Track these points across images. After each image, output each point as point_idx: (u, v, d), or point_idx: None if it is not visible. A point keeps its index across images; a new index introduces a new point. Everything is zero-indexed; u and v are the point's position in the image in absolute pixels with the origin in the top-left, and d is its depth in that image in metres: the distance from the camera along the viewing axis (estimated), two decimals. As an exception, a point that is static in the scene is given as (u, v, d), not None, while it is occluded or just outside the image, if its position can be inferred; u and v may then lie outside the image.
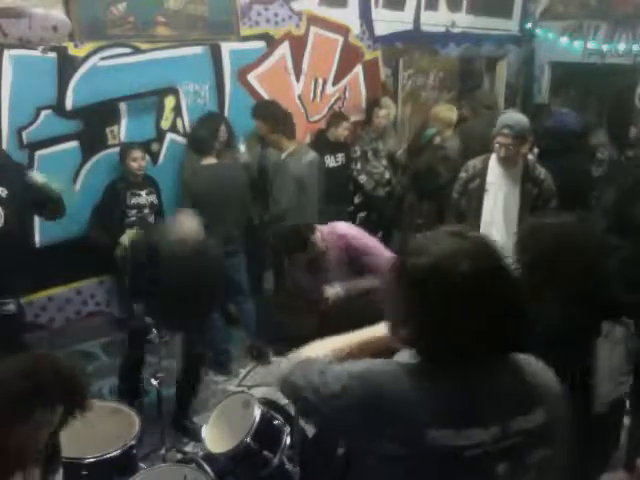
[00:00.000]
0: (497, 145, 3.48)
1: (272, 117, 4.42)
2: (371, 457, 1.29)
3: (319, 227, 3.16)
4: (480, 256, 1.24)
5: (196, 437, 3.37)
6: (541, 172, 3.57)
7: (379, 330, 1.47)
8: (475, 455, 1.22)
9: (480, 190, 3.58)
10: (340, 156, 5.27)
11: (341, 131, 5.16)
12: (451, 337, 1.23)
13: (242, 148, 4.72)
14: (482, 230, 3.53)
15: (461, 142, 5.23)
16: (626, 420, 3.35)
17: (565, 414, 1.35)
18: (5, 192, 3.18)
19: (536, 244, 2.03)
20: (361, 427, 1.24)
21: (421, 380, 1.25)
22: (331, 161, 5.18)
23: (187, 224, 3.21)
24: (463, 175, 3.71)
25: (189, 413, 3.72)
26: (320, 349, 1.43)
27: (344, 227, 3.24)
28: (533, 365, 1.37)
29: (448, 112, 5.40)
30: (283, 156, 4.41)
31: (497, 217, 3.53)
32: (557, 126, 5.57)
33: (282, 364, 1.42)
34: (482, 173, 3.59)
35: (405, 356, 1.33)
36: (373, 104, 5.60)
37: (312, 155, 4.48)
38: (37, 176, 3.34)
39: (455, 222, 3.74)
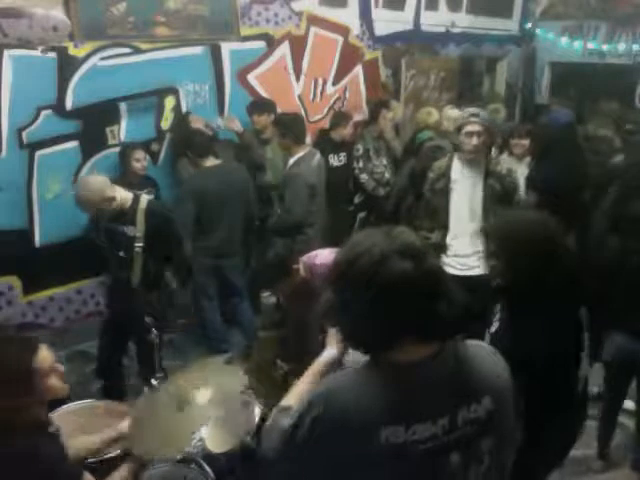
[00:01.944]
0: (466, 135, 3.47)
1: (282, 124, 4.38)
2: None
3: (301, 257, 3.16)
4: (401, 250, 1.25)
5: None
6: (503, 168, 3.63)
7: (329, 355, 1.61)
8: (427, 449, 1.24)
9: (446, 189, 3.63)
10: (343, 155, 5.28)
11: (347, 130, 5.17)
12: (383, 331, 1.25)
13: (219, 122, 4.75)
14: (452, 227, 3.62)
15: None
16: (627, 420, 3.39)
17: (512, 403, 1.37)
18: None
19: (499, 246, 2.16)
20: (333, 448, 1.24)
21: (369, 381, 1.28)
22: (335, 160, 5.18)
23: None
24: (431, 175, 3.76)
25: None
26: (297, 395, 1.50)
27: (325, 254, 3.23)
28: (482, 353, 1.39)
29: (425, 115, 5.48)
30: (291, 161, 4.31)
31: (463, 213, 3.58)
32: (550, 122, 5.57)
33: (270, 417, 1.48)
34: (447, 172, 3.64)
35: (357, 355, 1.36)
36: (380, 105, 5.57)
37: (318, 157, 4.44)
38: None
39: (428, 220, 3.81)
